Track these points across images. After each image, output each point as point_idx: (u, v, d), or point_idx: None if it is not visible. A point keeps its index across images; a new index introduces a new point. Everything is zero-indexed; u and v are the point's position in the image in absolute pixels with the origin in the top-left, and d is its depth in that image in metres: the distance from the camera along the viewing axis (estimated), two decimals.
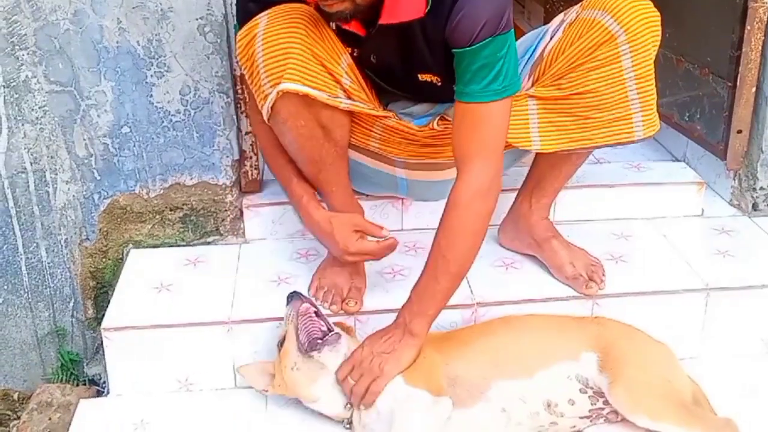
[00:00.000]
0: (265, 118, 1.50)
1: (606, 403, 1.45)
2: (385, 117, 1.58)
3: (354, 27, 1.44)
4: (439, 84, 1.54)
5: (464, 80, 1.41)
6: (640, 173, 2.02)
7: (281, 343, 1.49)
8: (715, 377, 1.59)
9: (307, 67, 1.43)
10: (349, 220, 1.56)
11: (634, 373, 1.44)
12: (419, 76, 1.53)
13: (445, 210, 1.44)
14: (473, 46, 1.37)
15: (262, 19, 1.44)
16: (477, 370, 1.45)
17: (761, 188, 1.96)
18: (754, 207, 1.98)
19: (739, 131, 1.94)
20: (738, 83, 1.90)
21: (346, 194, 1.65)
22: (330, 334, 1.46)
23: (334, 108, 1.49)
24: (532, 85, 1.58)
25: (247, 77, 1.49)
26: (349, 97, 1.50)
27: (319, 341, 1.45)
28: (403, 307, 1.48)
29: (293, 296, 1.52)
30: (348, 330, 1.56)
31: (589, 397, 1.46)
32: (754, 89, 1.89)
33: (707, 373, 1.58)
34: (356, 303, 1.62)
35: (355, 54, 1.51)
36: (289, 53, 1.41)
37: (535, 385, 1.44)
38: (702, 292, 1.68)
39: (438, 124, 1.61)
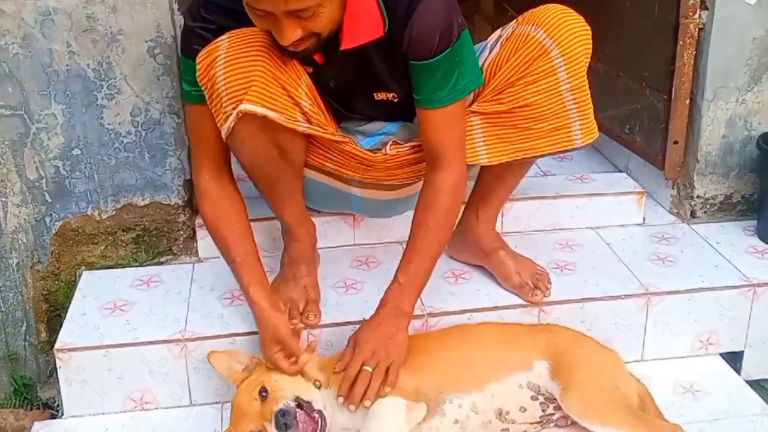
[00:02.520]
0: (224, 136, 1.51)
1: (556, 408, 1.49)
2: (343, 142, 1.61)
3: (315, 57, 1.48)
4: (396, 100, 1.59)
5: (429, 89, 1.49)
6: (584, 184, 2.09)
7: (263, 392, 1.42)
8: (657, 378, 1.65)
9: (268, 90, 1.45)
10: (276, 331, 1.51)
11: (585, 380, 1.49)
12: (376, 95, 1.58)
13: (428, 197, 1.54)
14: (435, 58, 1.45)
15: (223, 42, 1.45)
16: (434, 384, 1.48)
17: (698, 196, 2.05)
18: (692, 214, 2.06)
19: (676, 142, 2.02)
20: (673, 96, 1.98)
21: (298, 210, 1.68)
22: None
23: (292, 131, 1.51)
24: (474, 99, 1.64)
25: (207, 98, 1.50)
26: (308, 121, 1.53)
27: None
28: (388, 293, 1.54)
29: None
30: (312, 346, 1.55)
31: (540, 403, 1.50)
32: (688, 101, 1.98)
33: (649, 374, 1.64)
34: (315, 316, 1.65)
35: (310, 71, 1.54)
36: (252, 76, 1.43)
37: (488, 396, 1.48)
38: (643, 297, 1.75)
39: (390, 149, 1.65)
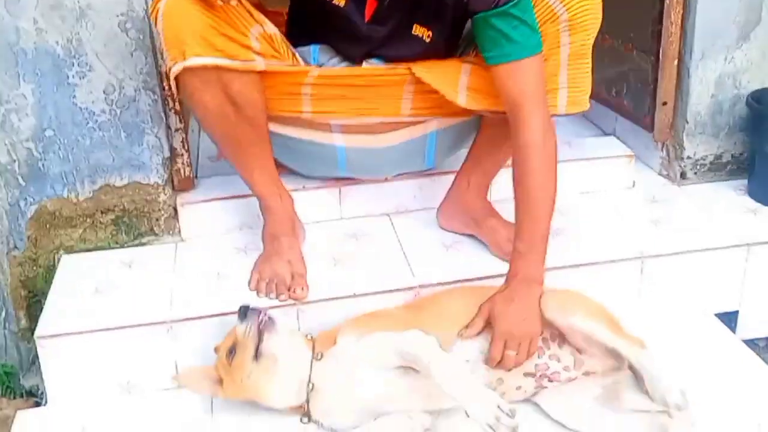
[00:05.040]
0: (175, 94, 1.52)
1: (551, 357, 1.48)
2: (306, 71, 1.60)
3: None
4: (428, 40, 1.58)
5: (496, 44, 1.48)
6: (572, 149, 2.05)
7: (231, 353, 1.45)
8: (653, 342, 1.62)
9: (207, 39, 1.44)
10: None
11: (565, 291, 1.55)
12: (414, 28, 1.58)
13: (520, 158, 1.50)
14: (497, 9, 1.44)
15: None
16: (442, 326, 1.47)
17: (688, 157, 2.02)
18: (683, 176, 2.04)
19: (665, 103, 1.99)
20: (661, 57, 1.95)
21: (269, 180, 1.65)
22: (262, 320, 1.45)
23: (243, 83, 1.49)
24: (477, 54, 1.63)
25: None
26: (263, 58, 1.52)
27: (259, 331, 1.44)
28: (514, 263, 1.51)
29: (249, 312, 1.46)
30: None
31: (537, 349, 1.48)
32: (676, 62, 1.95)
33: (644, 338, 1.61)
34: (303, 289, 1.61)
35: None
36: (188, 27, 1.43)
37: (486, 340, 1.48)
38: (637, 261, 1.72)
39: (366, 63, 1.65)
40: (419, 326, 1.44)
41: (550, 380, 1.48)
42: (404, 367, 1.40)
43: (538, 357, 1.48)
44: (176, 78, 1.50)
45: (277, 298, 1.60)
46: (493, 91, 1.60)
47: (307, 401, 1.45)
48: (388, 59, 1.66)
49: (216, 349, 1.52)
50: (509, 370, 1.46)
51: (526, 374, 1.48)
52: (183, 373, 1.49)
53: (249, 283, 1.65)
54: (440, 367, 1.34)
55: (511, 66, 1.48)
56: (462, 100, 1.63)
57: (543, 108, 1.51)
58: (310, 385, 1.45)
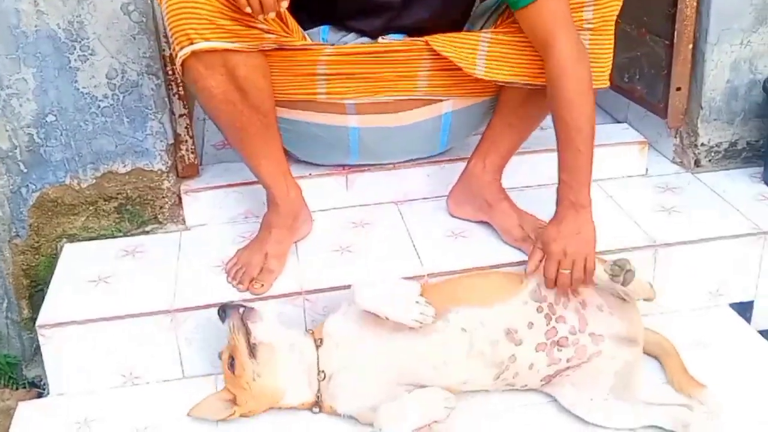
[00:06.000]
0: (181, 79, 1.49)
1: (558, 320, 1.46)
2: (322, 49, 1.57)
3: None
4: None
5: None
6: None
7: (232, 363, 1.42)
8: (665, 331, 1.60)
9: (214, 22, 1.41)
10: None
11: None
12: None
13: (554, 88, 1.48)
14: None
15: None
16: (437, 300, 1.45)
17: (702, 144, 1.98)
18: (697, 163, 2.00)
19: (679, 89, 1.94)
20: (675, 41, 1.90)
21: (276, 171, 1.61)
22: (243, 312, 1.43)
23: (249, 68, 1.47)
24: (498, 26, 1.61)
25: None
26: (273, 40, 1.49)
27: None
28: (560, 192, 1.53)
29: (227, 309, 1.44)
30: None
31: (544, 316, 1.47)
32: (691, 46, 1.90)
33: (657, 328, 1.59)
34: (262, 285, 1.57)
35: None
36: (194, 10, 1.40)
37: (496, 313, 1.46)
38: (650, 249, 1.68)
39: (382, 39, 1.63)
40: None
41: (560, 347, 1.46)
42: (393, 323, 1.40)
43: (547, 324, 1.46)
44: (181, 63, 1.47)
45: (237, 285, 1.57)
46: (511, 60, 1.58)
47: (319, 390, 1.43)
48: (405, 31, 1.63)
49: (220, 355, 1.48)
50: (566, 292, 1.46)
51: (538, 347, 1.45)
52: (195, 406, 1.44)
53: (227, 262, 1.63)
54: (359, 290, 1.42)
55: (537, 5, 1.47)
56: (480, 70, 1.61)
57: (573, 35, 1.49)
58: (321, 374, 1.42)
